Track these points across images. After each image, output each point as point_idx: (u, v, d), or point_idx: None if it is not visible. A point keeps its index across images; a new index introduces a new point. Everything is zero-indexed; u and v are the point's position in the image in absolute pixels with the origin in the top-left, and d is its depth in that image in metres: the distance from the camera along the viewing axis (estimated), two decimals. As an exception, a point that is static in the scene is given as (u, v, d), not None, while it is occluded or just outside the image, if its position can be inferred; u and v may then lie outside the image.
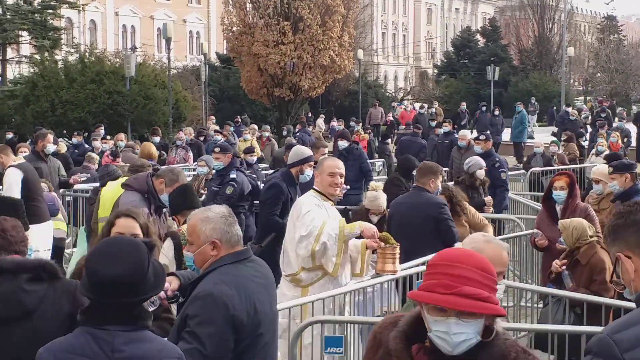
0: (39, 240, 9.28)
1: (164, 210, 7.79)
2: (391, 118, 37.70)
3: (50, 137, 12.66)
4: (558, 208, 8.33)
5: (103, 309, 3.32)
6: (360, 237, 6.89)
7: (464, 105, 36.79)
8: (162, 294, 4.09)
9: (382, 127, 38.78)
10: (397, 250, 6.91)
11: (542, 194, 9.48)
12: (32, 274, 3.87)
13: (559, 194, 8.29)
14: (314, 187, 7.02)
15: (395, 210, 8.71)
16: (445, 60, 67.06)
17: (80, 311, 3.39)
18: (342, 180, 7.09)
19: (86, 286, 3.34)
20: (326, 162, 7.14)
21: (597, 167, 9.69)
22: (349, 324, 6.42)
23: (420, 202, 8.38)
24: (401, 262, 7.15)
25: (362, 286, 6.92)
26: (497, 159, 12.98)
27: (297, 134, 23.64)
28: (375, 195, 9.26)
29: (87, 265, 3.39)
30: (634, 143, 24.60)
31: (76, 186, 13.64)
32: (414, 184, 8.87)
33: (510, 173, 15.76)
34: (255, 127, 24.89)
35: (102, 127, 22.57)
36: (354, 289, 6.85)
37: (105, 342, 3.30)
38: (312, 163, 8.75)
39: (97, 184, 10.48)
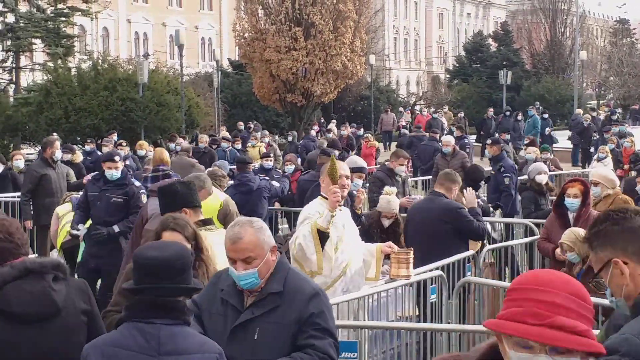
0: None
1: None
2: (403, 124, 36.67)
3: (58, 143, 12.73)
4: (571, 216, 8.09)
5: (148, 302, 3.49)
6: (375, 241, 6.91)
7: (491, 111, 34.98)
8: None
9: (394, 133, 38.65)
10: (411, 255, 6.91)
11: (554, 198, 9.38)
12: (54, 274, 3.95)
13: (573, 202, 8.03)
14: (321, 193, 6.96)
15: (411, 215, 8.76)
16: (457, 65, 67.03)
17: (125, 307, 3.55)
18: (348, 181, 7.11)
19: (131, 275, 3.59)
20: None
21: (596, 170, 9.61)
22: (363, 329, 6.42)
23: (436, 208, 8.44)
24: (416, 266, 7.16)
25: (376, 291, 6.92)
26: (503, 164, 12.91)
27: (301, 142, 23.63)
28: (388, 199, 9.31)
29: (135, 254, 3.64)
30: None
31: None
32: (432, 190, 8.93)
33: (523, 177, 15.75)
34: (267, 133, 24.90)
35: (115, 134, 22.66)
36: (368, 294, 6.84)
37: (151, 335, 3.45)
38: (362, 174, 8.99)
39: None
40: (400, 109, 44.92)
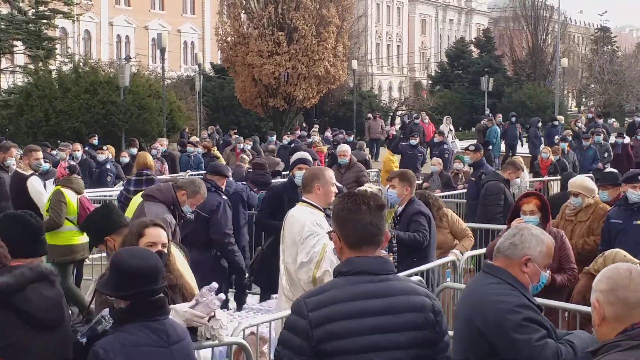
0: None
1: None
2: (394, 132, 33.26)
3: (13, 150, 12.49)
4: None
5: (148, 303, 3.93)
6: None
7: (499, 117, 31.49)
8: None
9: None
10: (390, 259, 6.88)
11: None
12: (55, 279, 4.02)
13: (531, 219, 7.04)
14: (305, 199, 6.89)
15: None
16: (439, 71, 67.24)
17: (127, 310, 3.91)
18: (334, 188, 7.11)
19: (117, 283, 3.91)
20: (328, 173, 7.09)
21: (575, 180, 9.27)
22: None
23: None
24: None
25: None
26: (484, 171, 12.78)
27: (292, 145, 23.36)
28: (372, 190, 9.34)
29: (120, 263, 3.95)
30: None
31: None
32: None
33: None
34: (241, 138, 24.33)
35: (96, 137, 22.56)
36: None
37: (159, 330, 3.95)
38: (301, 166, 8.95)
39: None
40: (369, 115, 39.02)
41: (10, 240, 4.07)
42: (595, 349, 3.30)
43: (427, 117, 35.05)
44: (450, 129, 33.40)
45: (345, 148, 14.41)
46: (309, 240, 6.58)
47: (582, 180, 9.14)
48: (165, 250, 5.02)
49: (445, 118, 35.43)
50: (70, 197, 10.05)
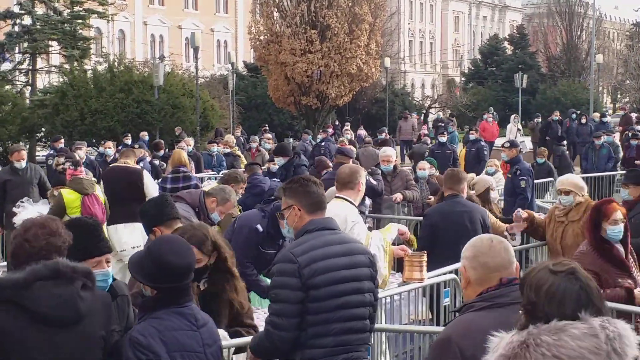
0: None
1: None
2: (425, 131, 32.12)
3: (24, 153, 12.71)
4: (620, 248, 6.63)
5: (178, 291, 4.16)
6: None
7: (557, 115, 29.36)
8: None
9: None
10: (425, 258, 6.88)
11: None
12: (83, 281, 3.94)
13: (620, 230, 6.59)
14: (341, 196, 6.82)
15: (439, 218, 8.43)
16: (472, 68, 66.94)
17: (158, 298, 4.12)
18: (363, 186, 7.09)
19: (153, 274, 4.10)
20: (363, 172, 7.10)
21: (566, 178, 8.91)
22: (376, 332, 6.40)
23: (475, 209, 8.45)
24: (430, 269, 7.14)
25: (389, 294, 6.89)
26: (519, 167, 12.77)
27: (323, 144, 23.33)
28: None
29: (159, 258, 4.11)
30: None
31: None
32: (449, 192, 8.60)
33: (539, 181, 15.50)
34: (256, 137, 24.28)
35: (129, 136, 22.75)
36: (381, 297, 6.81)
37: (189, 315, 4.19)
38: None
39: None
40: (404, 113, 37.50)
41: (72, 245, 4.09)
42: (457, 309, 3.86)
43: (491, 116, 33.89)
44: (518, 128, 32.99)
45: (389, 152, 12.17)
46: (353, 229, 6.50)
47: (572, 178, 8.87)
48: None
49: (512, 117, 34.78)
50: (70, 197, 9.94)
